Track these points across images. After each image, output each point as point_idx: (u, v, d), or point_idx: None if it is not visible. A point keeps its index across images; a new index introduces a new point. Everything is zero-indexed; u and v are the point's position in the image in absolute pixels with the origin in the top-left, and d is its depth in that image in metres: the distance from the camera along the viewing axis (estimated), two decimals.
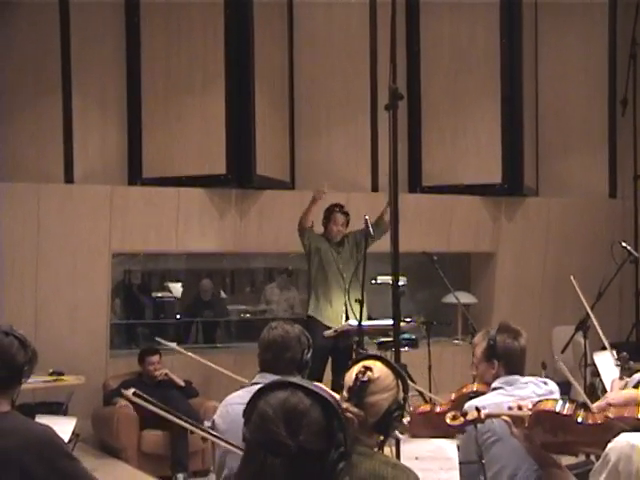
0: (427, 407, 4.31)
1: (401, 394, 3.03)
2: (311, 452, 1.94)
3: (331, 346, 7.78)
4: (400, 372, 3.08)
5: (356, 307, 7.31)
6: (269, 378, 3.77)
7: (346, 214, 8.04)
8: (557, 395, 3.85)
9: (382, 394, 2.98)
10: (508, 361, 4.11)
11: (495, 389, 4.07)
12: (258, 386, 3.84)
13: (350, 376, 3.01)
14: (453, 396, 4.40)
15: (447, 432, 3.61)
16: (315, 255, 8.00)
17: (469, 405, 3.93)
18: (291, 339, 3.88)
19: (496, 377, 4.12)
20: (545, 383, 4.14)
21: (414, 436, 4.22)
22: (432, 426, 3.84)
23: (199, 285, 10.78)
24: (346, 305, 7.61)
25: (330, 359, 7.89)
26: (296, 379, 2.06)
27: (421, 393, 6.62)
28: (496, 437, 3.84)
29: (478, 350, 4.21)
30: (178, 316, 10.74)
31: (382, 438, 3.07)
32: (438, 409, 4.30)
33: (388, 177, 4.24)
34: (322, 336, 7.64)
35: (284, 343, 3.87)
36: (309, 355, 3.92)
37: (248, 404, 2.03)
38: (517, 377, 4.10)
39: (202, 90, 8.58)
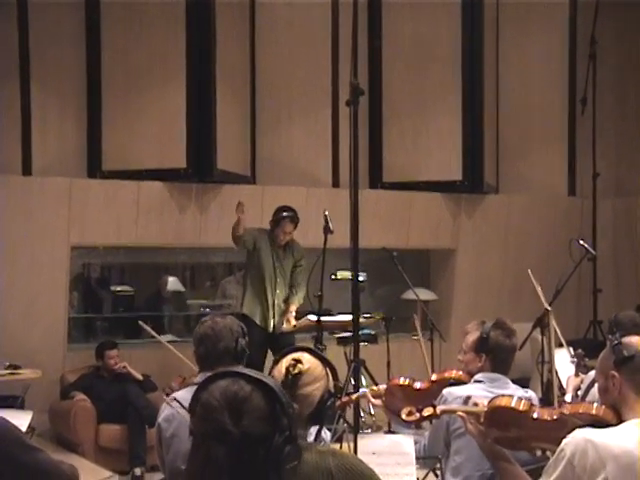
0: (406, 381, 4.30)
1: (331, 382, 3.06)
2: (255, 437, 1.97)
3: (269, 343, 7.79)
4: (328, 361, 3.11)
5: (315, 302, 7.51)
6: None
7: (296, 222, 7.94)
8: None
9: (314, 384, 3.00)
10: (496, 357, 4.14)
11: (477, 382, 4.11)
12: None
13: (280, 370, 3.02)
14: (434, 377, 4.40)
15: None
16: (255, 253, 7.95)
17: (447, 392, 3.96)
18: (221, 329, 3.87)
19: (481, 370, 4.15)
20: (526, 392, 4.16)
21: (386, 406, 4.23)
22: (407, 401, 3.85)
23: (160, 281, 10.72)
24: (274, 307, 7.90)
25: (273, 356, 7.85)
26: (237, 368, 2.09)
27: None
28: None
29: (469, 338, 4.23)
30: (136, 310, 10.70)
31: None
32: (417, 385, 4.31)
33: (349, 173, 4.24)
34: (258, 333, 7.68)
35: (215, 334, 3.86)
36: (244, 343, 3.90)
37: (192, 398, 2.06)
38: (500, 376, 4.13)
39: (163, 83, 8.53)
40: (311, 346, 3.28)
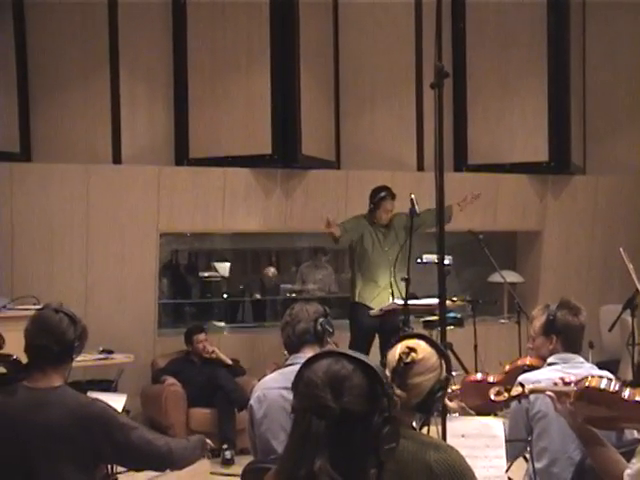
0: (479, 376, 4.29)
1: (444, 374, 3.00)
2: (354, 414, 2.00)
3: (377, 327, 7.78)
4: (443, 351, 3.04)
5: (402, 286, 7.36)
6: (300, 357, 3.85)
7: (394, 198, 7.94)
8: None
9: (426, 375, 2.94)
10: (566, 337, 4.08)
11: (550, 364, 4.05)
12: (291, 368, 3.92)
13: (393, 356, 2.97)
14: (507, 368, 4.38)
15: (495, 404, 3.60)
16: (358, 242, 7.94)
17: (523, 378, 3.90)
18: (298, 312, 4.08)
19: (553, 352, 4.10)
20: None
21: (464, 406, 4.22)
22: (483, 396, 3.84)
23: (263, 270, 10.94)
24: (392, 287, 7.69)
25: (378, 340, 7.86)
26: (340, 349, 2.13)
27: (467, 372, 6.62)
28: (546, 414, 3.83)
29: (537, 323, 4.18)
30: (225, 295, 10.87)
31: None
32: (491, 379, 4.29)
33: (434, 156, 4.24)
34: (368, 317, 7.68)
35: (293, 318, 4.08)
36: (326, 323, 4.07)
37: (296, 376, 2.11)
38: (574, 355, 4.07)
39: (247, 70, 8.61)
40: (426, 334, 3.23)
